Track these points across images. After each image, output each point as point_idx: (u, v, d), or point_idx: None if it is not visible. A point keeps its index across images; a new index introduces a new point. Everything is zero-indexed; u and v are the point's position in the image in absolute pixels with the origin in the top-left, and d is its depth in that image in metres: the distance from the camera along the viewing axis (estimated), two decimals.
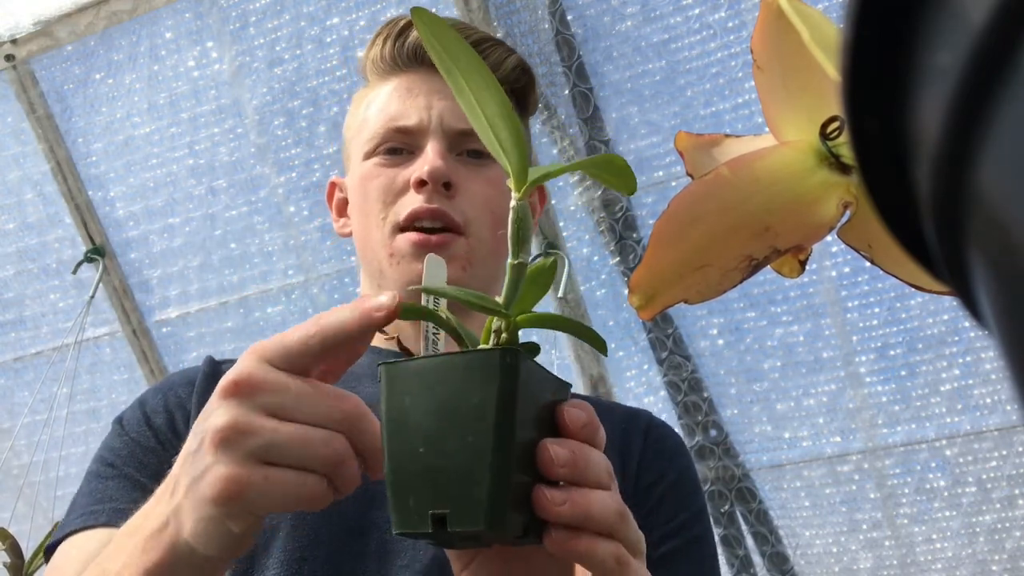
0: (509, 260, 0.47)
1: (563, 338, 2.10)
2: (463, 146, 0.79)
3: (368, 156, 0.80)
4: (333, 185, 0.90)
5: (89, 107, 2.15)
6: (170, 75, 2.08)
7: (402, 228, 0.76)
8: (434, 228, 0.75)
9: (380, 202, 0.77)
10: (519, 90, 0.84)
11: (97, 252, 2.26)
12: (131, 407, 0.77)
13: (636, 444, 0.80)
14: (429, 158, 0.75)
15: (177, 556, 0.47)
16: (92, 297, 2.24)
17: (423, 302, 0.50)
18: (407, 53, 0.79)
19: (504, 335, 0.47)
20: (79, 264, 2.25)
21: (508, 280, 0.46)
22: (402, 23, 0.81)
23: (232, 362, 0.80)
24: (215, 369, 0.78)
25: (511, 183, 0.47)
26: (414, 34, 0.79)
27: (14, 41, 2.06)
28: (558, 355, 2.05)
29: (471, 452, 0.41)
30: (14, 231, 2.31)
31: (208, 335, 2.33)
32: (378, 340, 0.81)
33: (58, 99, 2.15)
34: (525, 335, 0.51)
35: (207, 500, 0.44)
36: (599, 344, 0.48)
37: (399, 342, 0.59)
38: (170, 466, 0.71)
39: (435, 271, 0.52)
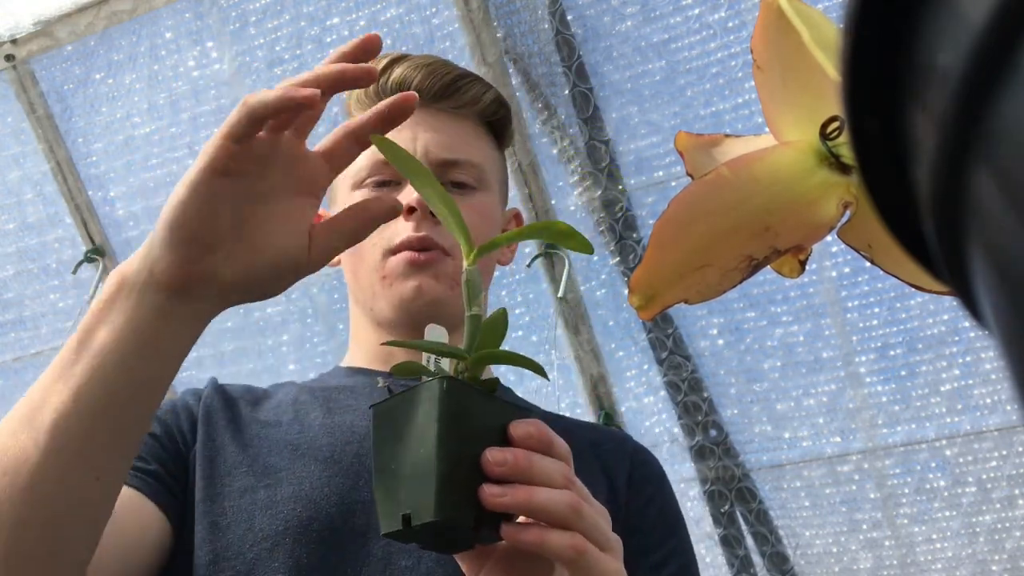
0: (465, 312, 0.55)
1: (563, 339, 2.10)
2: (447, 176, 0.83)
3: (357, 187, 0.84)
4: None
5: (89, 107, 2.15)
6: (170, 75, 2.08)
7: (393, 252, 0.81)
8: (424, 250, 0.81)
9: None
10: (496, 123, 0.89)
11: (97, 252, 2.26)
12: None
13: (623, 466, 0.83)
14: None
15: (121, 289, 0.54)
16: (92, 297, 2.24)
17: (423, 361, 0.63)
18: (391, 88, 0.82)
19: (466, 374, 0.56)
20: (79, 264, 2.25)
21: (467, 330, 0.56)
22: (385, 61, 0.85)
23: (234, 386, 0.84)
24: (221, 389, 0.83)
25: (465, 253, 0.56)
26: (398, 70, 0.84)
27: (14, 41, 2.06)
28: (558, 355, 2.05)
29: (423, 461, 0.51)
30: (14, 231, 2.31)
31: (208, 335, 2.32)
32: (365, 363, 0.87)
33: (58, 99, 2.15)
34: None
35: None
36: (539, 371, 0.56)
37: (389, 388, 0.64)
38: (175, 457, 0.76)
39: (436, 336, 0.65)
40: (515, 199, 2.06)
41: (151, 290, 0.54)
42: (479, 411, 0.54)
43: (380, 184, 0.83)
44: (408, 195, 0.80)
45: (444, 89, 0.84)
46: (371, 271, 0.83)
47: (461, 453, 0.51)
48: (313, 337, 2.28)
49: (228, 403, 0.81)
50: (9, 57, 2.08)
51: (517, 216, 0.97)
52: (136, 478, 0.71)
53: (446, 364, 0.60)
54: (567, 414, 1.15)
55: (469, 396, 0.53)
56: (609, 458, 0.83)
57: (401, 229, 0.81)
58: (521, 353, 0.57)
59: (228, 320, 2.29)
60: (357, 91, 0.86)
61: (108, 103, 2.14)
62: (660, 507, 0.82)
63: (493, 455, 0.51)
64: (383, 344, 0.61)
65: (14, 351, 2.43)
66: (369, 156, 0.82)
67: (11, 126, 2.20)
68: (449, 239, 0.81)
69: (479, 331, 0.56)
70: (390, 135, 0.81)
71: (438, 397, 0.51)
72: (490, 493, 0.50)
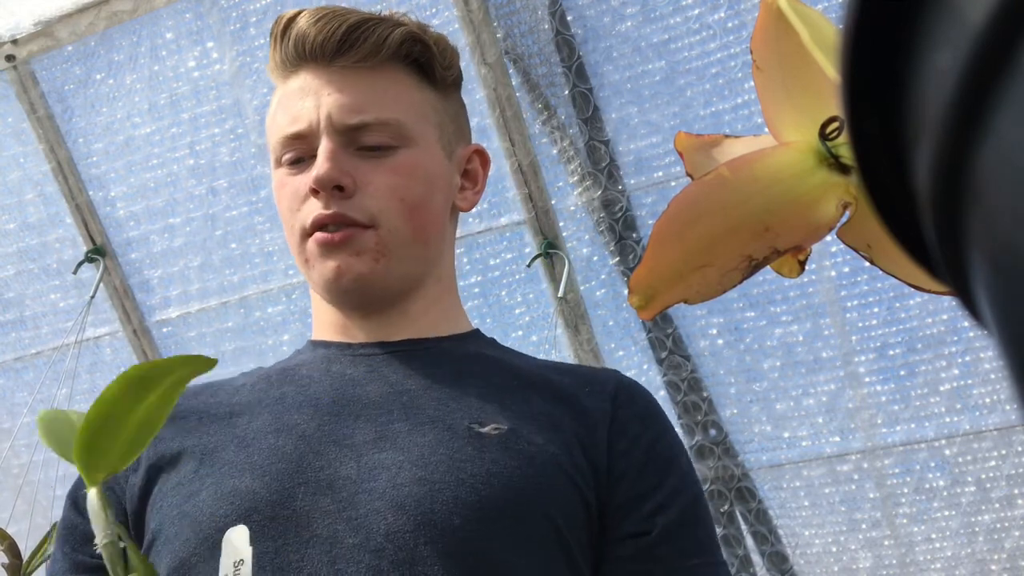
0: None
1: (563, 339, 2.10)
2: (359, 142, 0.76)
3: (276, 165, 0.80)
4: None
5: (90, 107, 2.15)
6: (171, 75, 2.08)
7: (309, 233, 0.76)
8: (338, 228, 0.75)
9: (289, 211, 0.77)
10: (419, 60, 0.80)
11: (98, 252, 2.26)
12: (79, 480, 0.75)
13: (602, 411, 0.74)
14: (317, 164, 0.74)
15: None
16: (93, 297, 2.24)
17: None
18: (292, 51, 0.77)
19: None
20: (80, 264, 2.25)
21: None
22: (284, 21, 0.78)
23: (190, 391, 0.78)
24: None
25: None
26: (295, 29, 0.77)
27: (15, 41, 2.06)
28: (558, 355, 2.05)
29: None
30: (15, 231, 2.31)
31: (209, 335, 2.34)
32: (329, 334, 0.81)
33: (59, 99, 2.15)
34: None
35: None
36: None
37: None
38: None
39: (234, 542, 0.63)
40: (515, 199, 2.06)
41: None
42: None
43: (294, 161, 0.77)
44: (311, 174, 0.75)
45: (340, 45, 0.76)
46: (296, 253, 0.79)
47: None
48: None
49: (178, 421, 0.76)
50: (10, 57, 2.08)
51: (480, 153, 0.88)
52: None
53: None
54: None
55: None
56: (588, 404, 0.75)
57: (312, 207, 0.75)
58: None
59: (229, 320, 2.29)
60: (270, 60, 0.80)
61: (109, 103, 2.14)
62: (648, 446, 0.73)
63: None
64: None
65: (15, 351, 2.44)
66: (278, 132, 0.78)
67: (12, 126, 2.20)
68: (366, 210, 0.75)
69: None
70: (296, 106, 0.77)
71: None
72: None
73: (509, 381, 0.75)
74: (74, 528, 0.72)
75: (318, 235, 0.75)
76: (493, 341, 0.86)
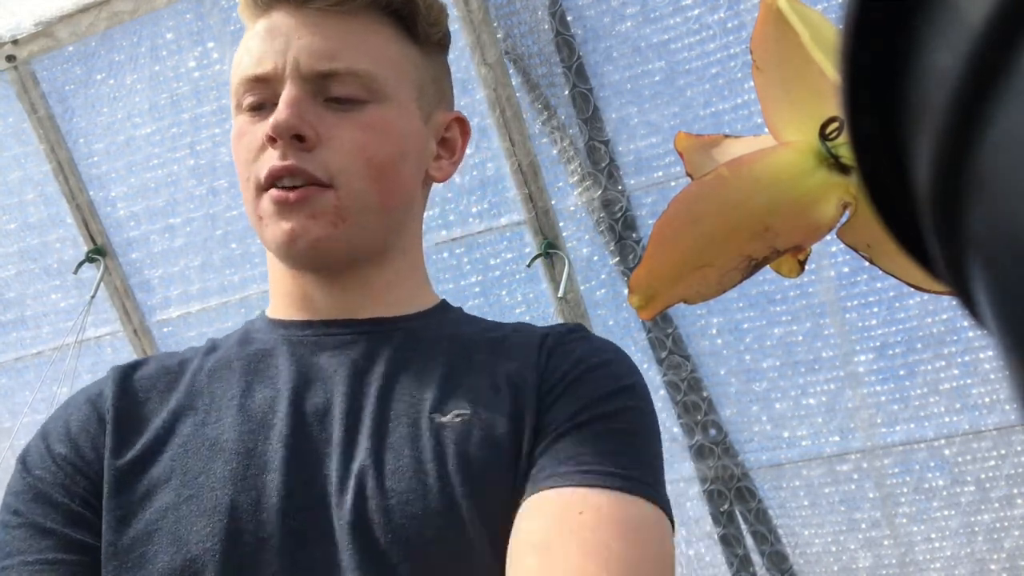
0: None
1: None
2: (327, 91, 0.69)
3: (237, 110, 0.73)
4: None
5: (90, 107, 2.15)
6: (171, 75, 2.08)
7: (265, 188, 0.69)
8: (295, 184, 0.68)
9: (245, 162, 0.71)
10: (403, 13, 0.74)
11: (98, 252, 2.26)
12: (33, 441, 0.70)
13: (532, 361, 0.69)
14: (277, 109, 0.68)
15: None
16: (93, 297, 2.24)
17: None
18: None
19: None
20: (80, 264, 2.25)
21: None
22: None
23: (146, 369, 0.72)
24: (126, 374, 0.72)
25: None
26: None
27: (15, 41, 2.06)
28: None
29: None
30: (15, 231, 2.31)
31: (209, 335, 2.33)
32: (289, 309, 0.76)
33: (59, 99, 2.16)
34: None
35: None
36: None
37: None
38: (84, 496, 0.64)
39: None
40: (515, 199, 2.06)
41: None
42: None
43: (255, 107, 0.71)
44: (271, 120, 0.68)
45: None
46: (250, 210, 0.71)
47: None
48: None
49: (135, 400, 0.70)
50: (10, 58, 2.08)
51: (461, 121, 0.81)
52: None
53: None
54: None
55: None
56: (542, 358, 0.69)
57: (269, 158, 0.68)
58: None
59: (229, 320, 2.29)
60: None
61: (109, 104, 2.14)
62: (575, 363, 0.68)
63: None
64: None
65: (15, 350, 2.44)
66: (240, 73, 0.71)
67: (12, 126, 2.20)
68: (327, 166, 0.68)
69: None
70: (263, 47, 0.70)
71: None
72: None
73: (474, 355, 0.71)
74: (31, 488, 0.65)
75: (273, 192, 0.68)
76: (460, 312, 0.80)
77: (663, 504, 0.63)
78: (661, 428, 0.72)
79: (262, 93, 0.70)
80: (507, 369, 0.69)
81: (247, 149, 0.71)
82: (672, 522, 0.64)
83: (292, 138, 0.67)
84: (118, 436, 0.67)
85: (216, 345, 0.77)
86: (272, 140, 0.68)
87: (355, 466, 0.63)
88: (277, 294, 0.77)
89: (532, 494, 0.61)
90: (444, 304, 0.81)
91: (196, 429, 0.67)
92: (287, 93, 0.68)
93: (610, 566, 0.55)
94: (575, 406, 0.65)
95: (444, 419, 0.65)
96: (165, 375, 0.73)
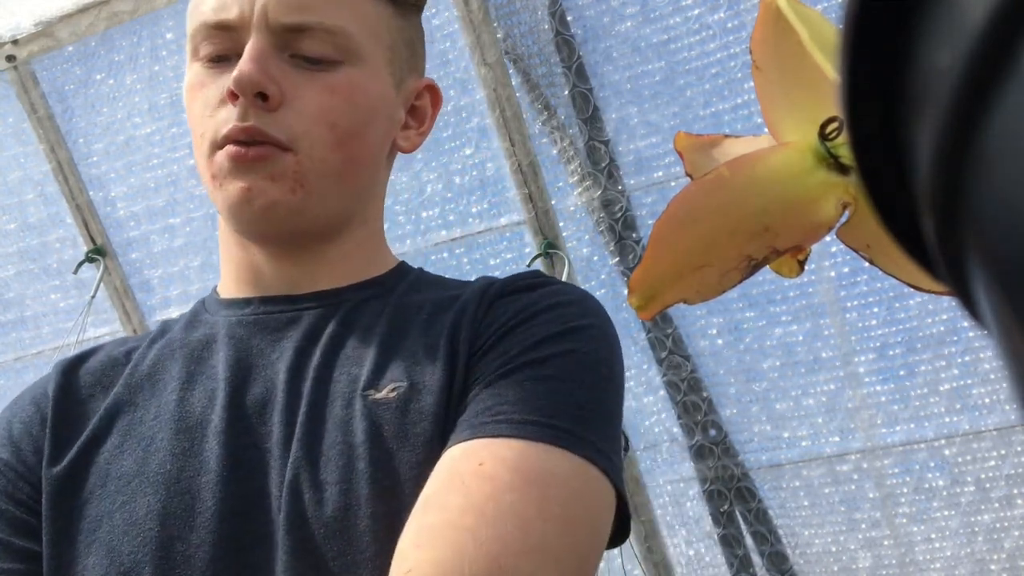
0: None
1: None
2: (296, 47, 0.64)
3: (194, 58, 0.67)
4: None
5: (90, 107, 2.15)
6: (171, 76, 2.08)
7: (220, 146, 0.64)
8: (251, 144, 0.63)
9: (200, 117, 0.65)
10: None
11: (98, 252, 2.26)
12: None
13: (470, 313, 0.65)
14: (241, 62, 0.63)
15: None
16: (93, 297, 2.25)
17: None
18: None
19: None
20: (80, 264, 2.25)
21: None
22: None
23: (92, 363, 0.67)
24: (71, 368, 0.68)
25: None
26: None
27: (15, 41, 2.06)
28: None
29: None
30: (15, 231, 2.31)
31: None
32: (238, 285, 0.71)
33: (59, 99, 2.16)
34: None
35: None
36: None
37: None
38: (27, 502, 0.61)
39: None
40: (515, 199, 2.06)
41: None
42: None
43: (216, 58, 0.65)
44: (232, 75, 0.63)
45: None
46: (203, 168, 0.66)
47: None
48: None
49: (76, 398, 0.66)
50: (10, 58, 2.08)
51: (432, 89, 0.76)
52: None
53: None
54: None
55: None
56: (451, 311, 0.66)
57: (228, 116, 0.63)
58: None
59: None
60: None
61: (109, 104, 2.14)
62: (514, 313, 0.63)
63: None
64: None
65: (15, 350, 2.44)
66: (199, 17, 0.65)
67: (12, 126, 2.20)
68: (289, 129, 0.63)
69: None
70: None
71: None
72: None
73: (415, 317, 0.66)
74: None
75: (230, 148, 0.63)
76: (418, 273, 0.75)
77: (596, 458, 0.55)
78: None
79: (223, 43, 0.65)
80: (446, 327, 0.64)
81: (204, 104, 0.65)
82: (614, 482, 0.57)
83: (255, 96, 0.63)
84: (55, 439, 0.64)
85: (167, 328, 0.73)
86: (233, 96, 0.63)
87: (290, 460, 0.59)
88: (226, 268, 0.72)
89: (445, 451, 0.56)
90: (401, 267, 0.75)
91: (132, 428, 0.63)
92: (252, 45, 0.63)
93: (492, 521, 0.49)
94: (504, 356, 0.60)
95: (379, 395, 0.60)
96: (111, 367, 0.69)
